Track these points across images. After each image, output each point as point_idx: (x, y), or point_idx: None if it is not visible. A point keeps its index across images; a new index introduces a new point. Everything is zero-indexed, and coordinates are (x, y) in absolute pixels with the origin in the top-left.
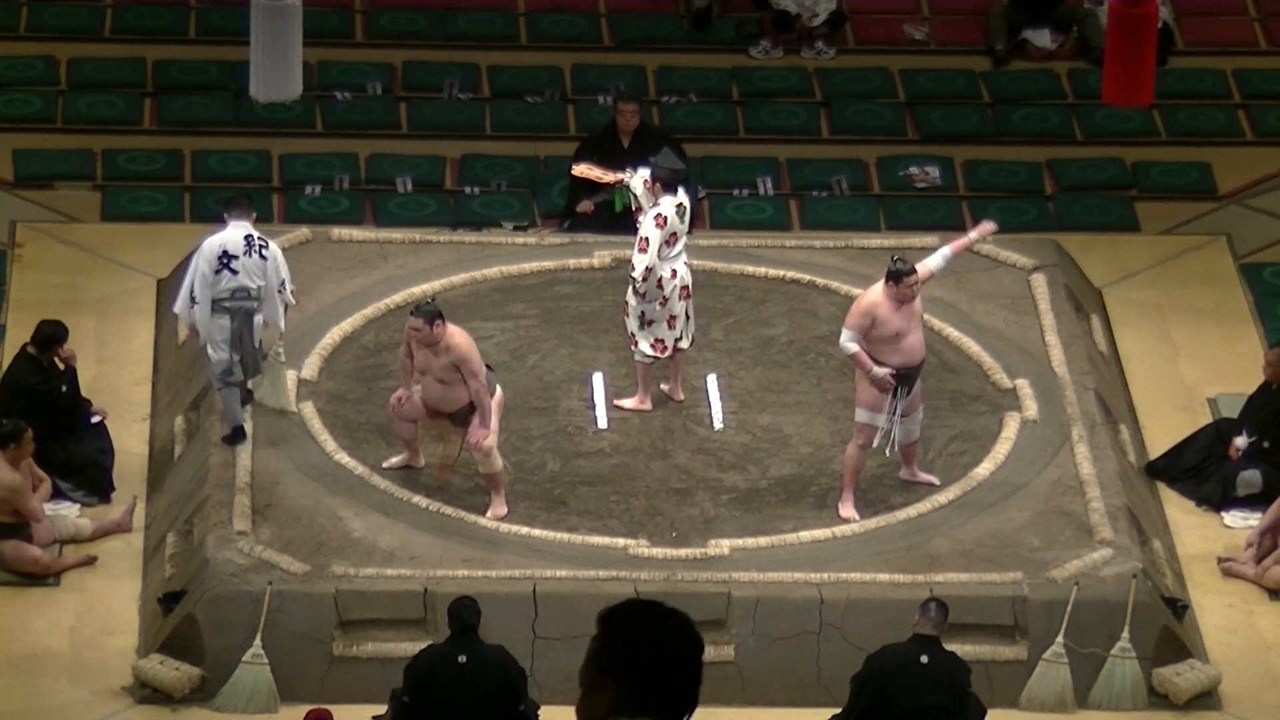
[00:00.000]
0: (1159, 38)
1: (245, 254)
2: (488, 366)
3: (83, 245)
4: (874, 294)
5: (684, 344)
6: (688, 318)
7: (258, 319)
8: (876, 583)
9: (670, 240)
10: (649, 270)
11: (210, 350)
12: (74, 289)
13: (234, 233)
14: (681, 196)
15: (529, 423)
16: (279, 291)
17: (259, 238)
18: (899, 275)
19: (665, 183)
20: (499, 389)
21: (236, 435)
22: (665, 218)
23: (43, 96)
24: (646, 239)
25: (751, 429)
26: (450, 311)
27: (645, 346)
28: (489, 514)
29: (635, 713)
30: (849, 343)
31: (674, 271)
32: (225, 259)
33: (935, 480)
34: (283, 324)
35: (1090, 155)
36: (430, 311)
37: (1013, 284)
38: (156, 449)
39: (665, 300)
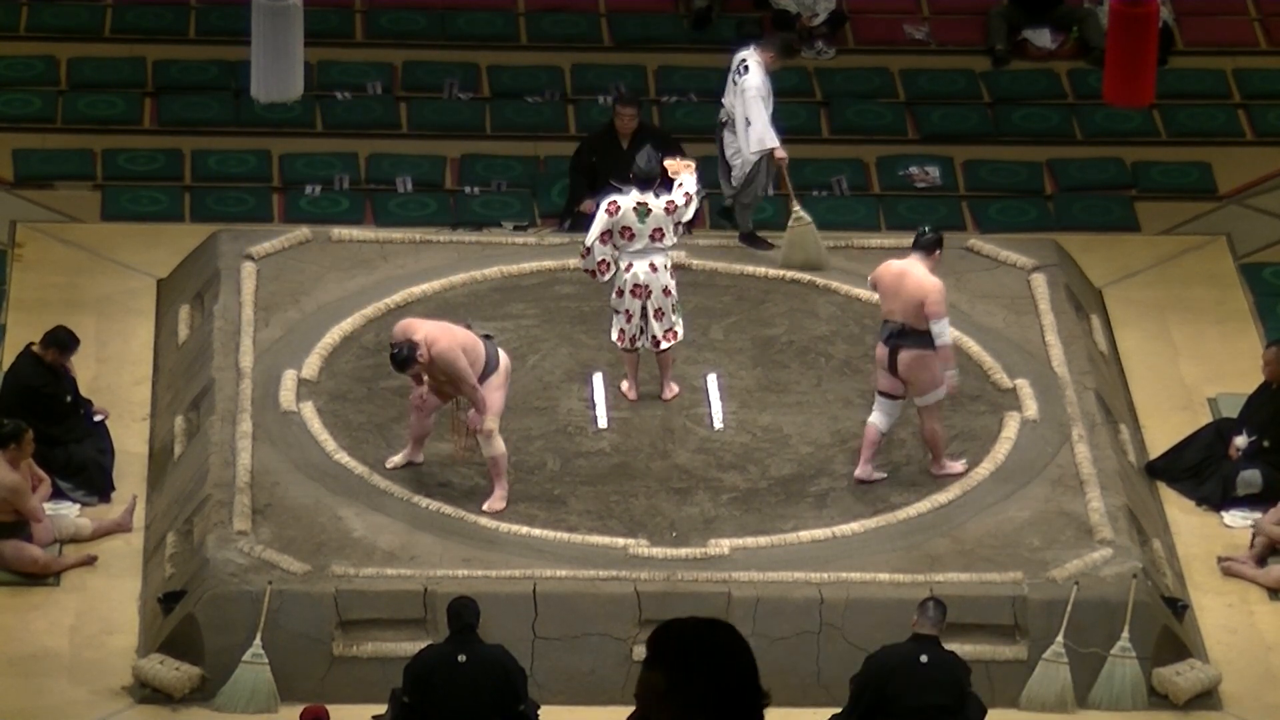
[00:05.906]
0: (1159, 38)
1: (733, 73)
2: (486, 336)
3: (83, 245)
4: (936, 276)
5: (641, 343)
6: (659, 315)
7: (726, 136)
8: (876, 583)
9: (625, 233)
10: (588, 249)
11: None
12: (74, 289)
13: (740, 53)
14: (648, 197)
15: (529, 422)
16: (747, 126)
17: (743, 63)
18: (940, 242)
19: (637, 178)
20: (502, 357)
21: (751, 241)
22: (618, 206)
23: (43, 96)
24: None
25: (751, 429)
26: (450, 311)
27: (614, 333)
28: (485, 506)
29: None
30: (949, 331)
31: (629, 265)
32: (730, 74)
33: (960, 467)
34: (749, 153)
35: (1090, 155)
36: (402, 359)
37: (1013, 284)
38: (156, 449)
39: (621, 292)
